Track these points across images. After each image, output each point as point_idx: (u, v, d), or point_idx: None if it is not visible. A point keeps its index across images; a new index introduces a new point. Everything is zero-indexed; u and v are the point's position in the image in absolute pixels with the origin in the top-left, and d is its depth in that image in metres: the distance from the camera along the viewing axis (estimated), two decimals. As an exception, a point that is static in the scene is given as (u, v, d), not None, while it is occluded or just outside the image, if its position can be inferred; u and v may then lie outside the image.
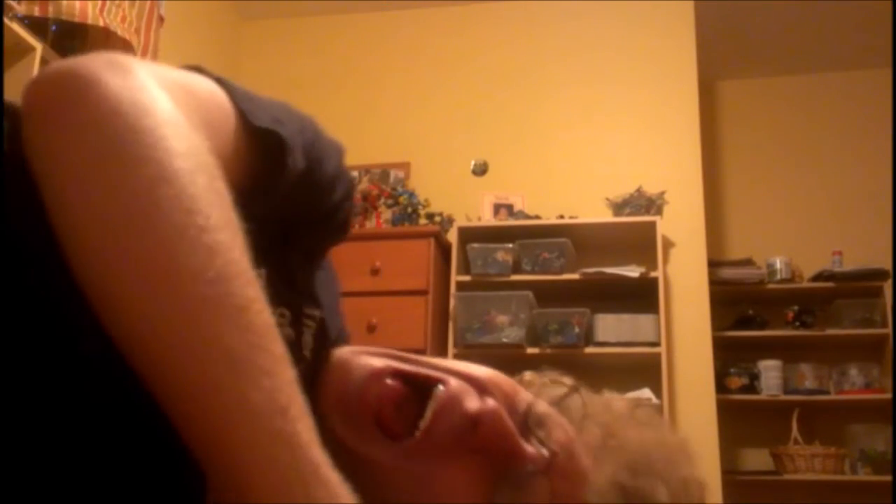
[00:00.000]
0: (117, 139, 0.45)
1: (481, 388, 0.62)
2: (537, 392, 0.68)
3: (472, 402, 0.60)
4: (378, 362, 0.63)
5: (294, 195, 0.59)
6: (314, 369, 0.64)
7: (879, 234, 4.09)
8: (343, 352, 0.66)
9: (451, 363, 0.65)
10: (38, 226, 0.45)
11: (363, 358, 0.64)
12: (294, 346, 0.62)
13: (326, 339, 0.67)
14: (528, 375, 0.73)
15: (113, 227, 0.44)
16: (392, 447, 0.60)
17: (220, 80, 0.57)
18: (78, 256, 0.44)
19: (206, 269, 0.43)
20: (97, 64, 0.47)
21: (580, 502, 0.63)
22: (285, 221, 0.62)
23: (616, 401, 0.72)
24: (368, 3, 4.26)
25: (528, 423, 0.63)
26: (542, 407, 0.65)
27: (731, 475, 3.76)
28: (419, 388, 0.62)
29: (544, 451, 0.62)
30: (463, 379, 0.62)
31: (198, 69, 0.58)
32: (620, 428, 0.67)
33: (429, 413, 0.60)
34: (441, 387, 0.61)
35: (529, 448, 0.61)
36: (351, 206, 0.68)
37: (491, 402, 0.61)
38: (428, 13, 4.27)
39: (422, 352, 3.24)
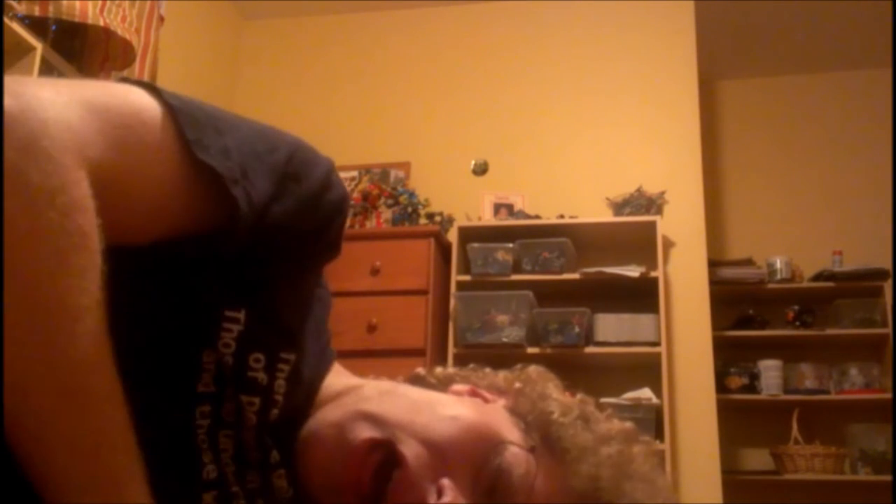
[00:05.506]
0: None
1: (442, 458, 0.62)
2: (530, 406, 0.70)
3: (428, 497, 0.61)
4: (358, 436, 0.63)
5: (267, 224, 0.59)
6: (286, 410, 0.66)
7: (879, 234, 4.09)
8: (322, 418, 0.67)
9: (425, 415, 0.65)
10: None
11: (345, 429, 0.65)
12: (267, 391, 0.64)
13: (300, 382, 0.67)
14: (522, 382, 0.74)
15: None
16: None
17: (171, 106, 0.56)
18: None
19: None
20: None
21: None
22: (271, 250, 0.61)
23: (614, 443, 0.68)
24: (369, 3, 4.25)
25: (496, 485, 0.63)
26: (514, 456, 0.64)
27: (731, 475, 3.75)
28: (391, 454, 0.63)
29: None
30: (427, 447, 0.63)
31: (151, 88, 0.57)
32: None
33: None
34: (398, 471, 0.62)
35: None
36: (342, 221, 0.67)
37: (447, 497, 0.60)
38: (428, 13, 4.27)
39: (422, 352, 3.25)
